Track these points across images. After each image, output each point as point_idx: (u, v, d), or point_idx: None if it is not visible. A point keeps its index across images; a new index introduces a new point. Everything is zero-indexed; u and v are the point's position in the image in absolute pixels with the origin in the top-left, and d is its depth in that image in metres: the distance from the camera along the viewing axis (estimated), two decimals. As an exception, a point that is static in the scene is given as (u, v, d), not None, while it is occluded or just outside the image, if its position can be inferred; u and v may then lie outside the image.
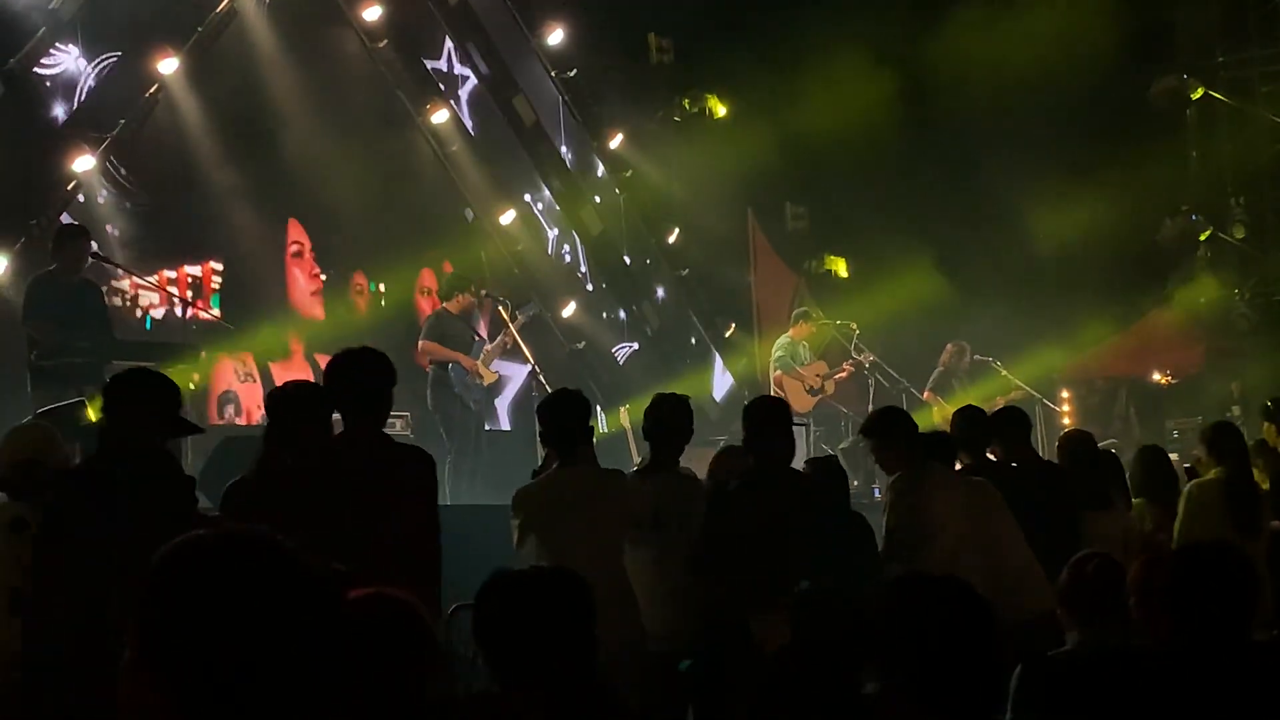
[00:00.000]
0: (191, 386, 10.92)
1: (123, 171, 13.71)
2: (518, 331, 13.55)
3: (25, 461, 5.92)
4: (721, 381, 19.84)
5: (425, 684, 3.33)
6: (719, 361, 19.82)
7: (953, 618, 3.21)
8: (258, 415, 13.84)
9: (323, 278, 15.65)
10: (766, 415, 7.52)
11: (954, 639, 3.19)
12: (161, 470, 5.54)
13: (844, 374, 16.10)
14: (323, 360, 15.28)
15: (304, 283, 15.58)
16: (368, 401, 5.99)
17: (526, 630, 3.50)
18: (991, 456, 8.72)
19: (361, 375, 6.01)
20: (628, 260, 19.28)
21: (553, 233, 18.89)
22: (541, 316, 16.41)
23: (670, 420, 7.47)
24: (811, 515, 7.03)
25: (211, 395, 14.01)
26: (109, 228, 13.37)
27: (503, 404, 17.00)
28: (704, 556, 6.93)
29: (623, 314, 19.43)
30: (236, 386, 14.37)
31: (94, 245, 11.02)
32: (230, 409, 14.34)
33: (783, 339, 16.22)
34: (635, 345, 19.28)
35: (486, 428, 15.74)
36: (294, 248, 15.51)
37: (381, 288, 16.16)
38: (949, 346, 16.51)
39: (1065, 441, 9.18)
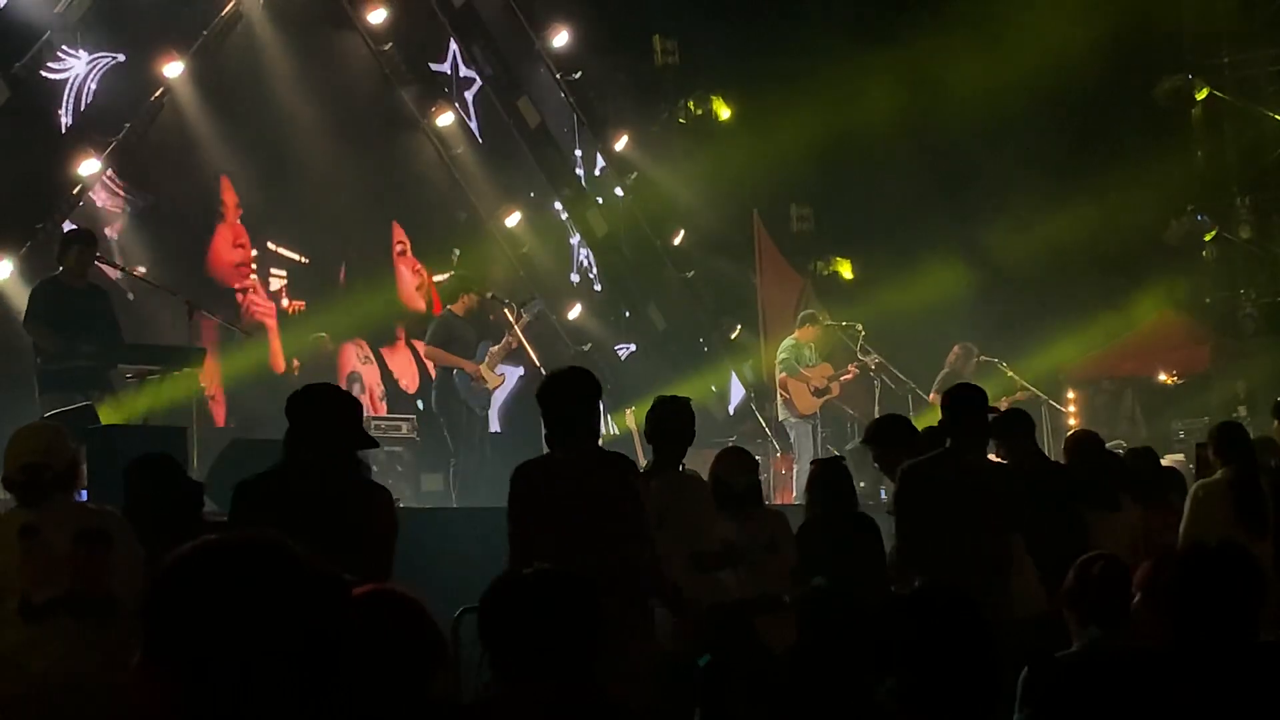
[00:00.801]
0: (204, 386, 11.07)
1: (111, 175, 13.68)
2: (523, 332, 13.56)
3: (32, 464, 5.81)
4: (736, 393, 19.85)
5: (428, 681, 3.33)
6: (735, 376, 19.82)
7: (952, 632, 3.24)
8: (379, 392, 15.88)
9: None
10: (967, 404, 7.71)
11: (952, 652, 3.21)
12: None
13: (849, 376, 16.07)
14: (421, 346, 15.85)
15: (409, 278, 16.87)
16: (576, 417, 6.51)
17: (530, 631, 3.50)
18: (996, 458, 8.71)
19: (566, 396, 6.56)
20: (633, 262, 19.27)
21: (574, 236, 18.91)
22: (546, 315, 16.41)
23: (671, 423, 7.45)
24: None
25: (340, 377, 15.16)
26: (107, 230, 13.40)
27: (493, 406, 17.02)
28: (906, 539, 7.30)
29: (628, 315, 19.41)
30: (359, 368, 15.55)
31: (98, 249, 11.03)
32: (356, 387, 15.37)
33: (788, 341, 16.19)
34: (633, 346, 19.26)
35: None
36: (399, 247, 16.76)
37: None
38: (955, 348, 16.48)
39: (1072, 442, 9.17)
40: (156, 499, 6.17)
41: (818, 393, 15.87)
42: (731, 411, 19.49)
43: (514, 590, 3.61)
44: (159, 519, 6.01)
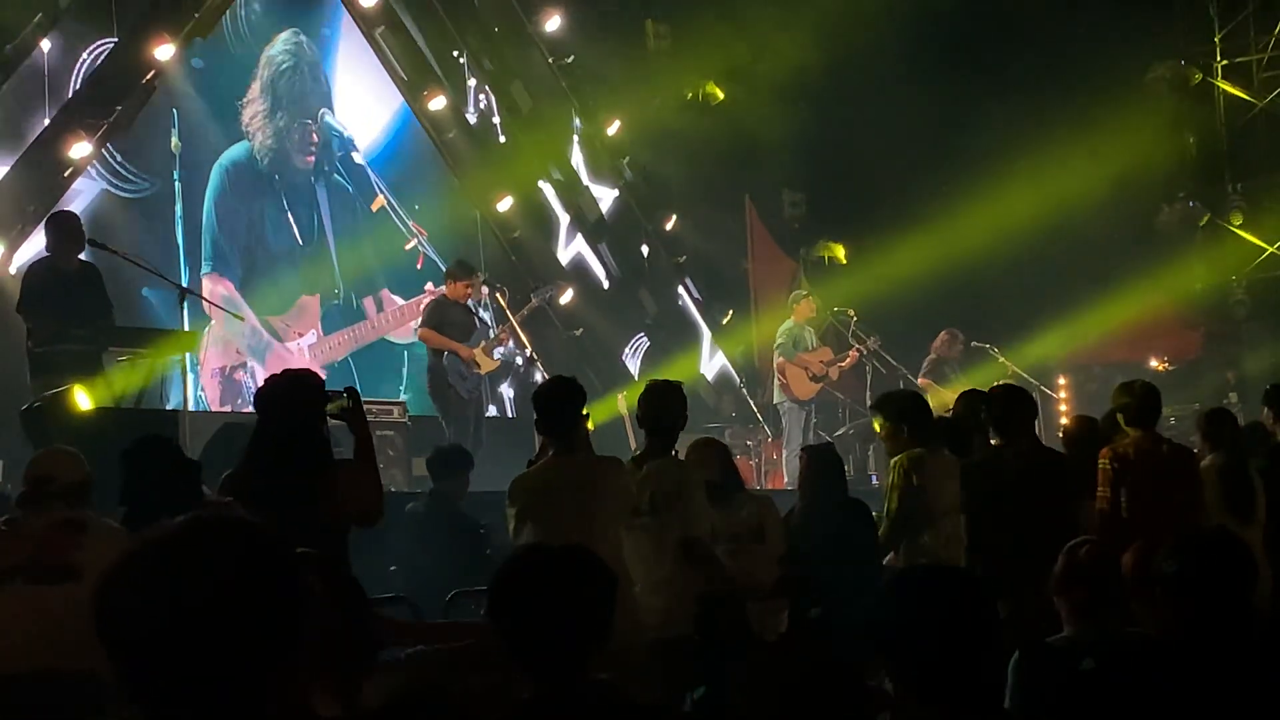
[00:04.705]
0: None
1: (118, 158, 13.73)
2: (525, 316, 13.58)
3: (38, 477, 6.11)
4: (712, 360, 19.82)
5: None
6: (707, 338, 19.81)
7: (958, 609, 3.21)
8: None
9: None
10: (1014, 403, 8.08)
11: (959, 630, 3.18)
12: None
13: (849, 362, 16.08)
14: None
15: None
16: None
17: (547, 610, 3.41)
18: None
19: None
20: (626, 247, 19.26)
21: (565, 218, 18.85)
22: (554, 301, 16.40)
23: (662, 407, 7.43)
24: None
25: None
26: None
27: (508, 392, 17.06)
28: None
29: (622, 300, 19.39)
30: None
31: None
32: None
33: (786, 324, 16.19)
34: (645, 338, 19.22)
35: (493, 413, 15.82)
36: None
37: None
38: (942, 334, 16.48)
39: (1069, 430, 9.15)
40: (154, 481, 6.16)
41: (815, 378, 15.88)
42: (710, 379, 19.48)
43: (533, 567, 3.53)
44: (158, 502, 6.02)
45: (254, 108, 15.35)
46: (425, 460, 10.15)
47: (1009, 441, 7.95)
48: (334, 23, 16.41)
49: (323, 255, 15.95)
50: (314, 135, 15.91)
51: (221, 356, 14.54)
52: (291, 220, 15.59)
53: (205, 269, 14.53)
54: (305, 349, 15.40)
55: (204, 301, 12.70)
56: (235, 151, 15.12)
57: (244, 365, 14.76)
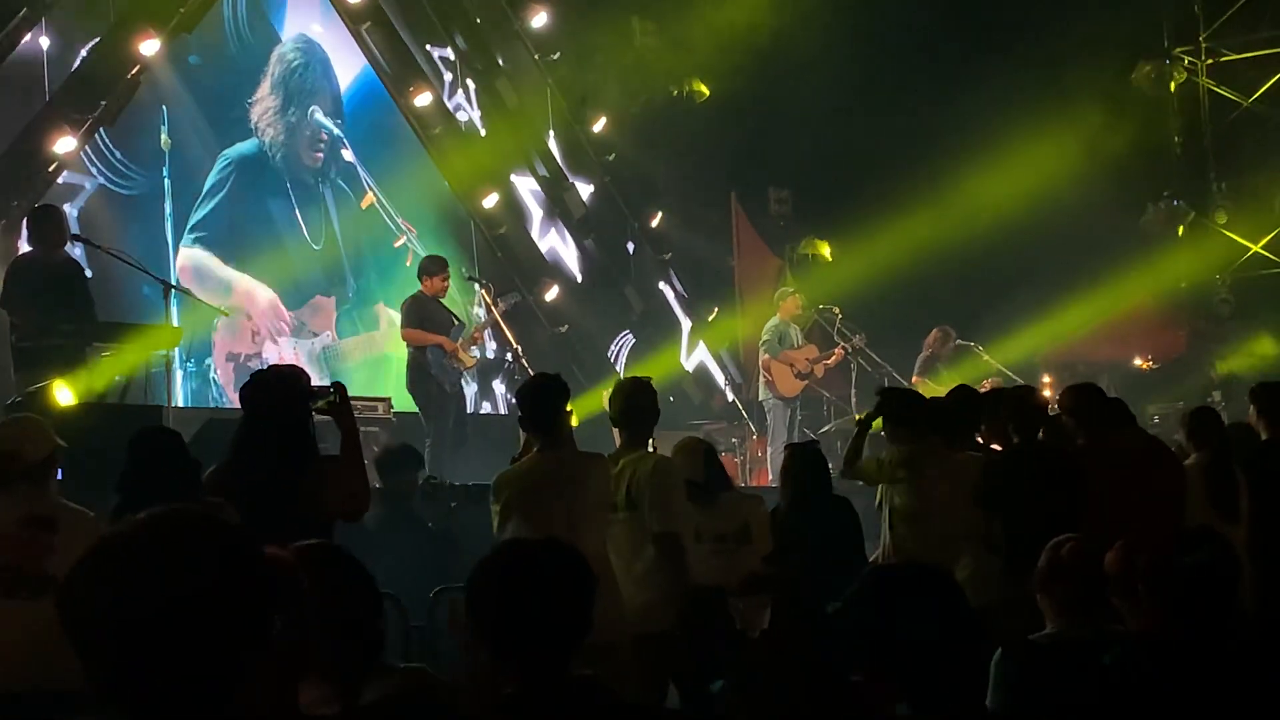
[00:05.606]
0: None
1: (117, 154, 13.69)
2: (499, 316, 13.55)
3: (4, 453, 5.97)
4: (691, 356, 19.80)
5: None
6: (685, 332, 19.80)
7: (934, 607, 3.22)
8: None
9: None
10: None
11: (935, 627, 3.19)
12: None
13: (834, 359, 16.09)
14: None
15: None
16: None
17: (525, 604, 3.39)
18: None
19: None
20: (611, 244, 19.25)
21: (539, 213, 18.82)
22: (524, 304, 16.37)
23: (633, 404, 7.40)
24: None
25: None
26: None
27: (499, 388, 17.04)
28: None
29: (607, 297, 19.39)
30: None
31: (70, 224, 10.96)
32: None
33: (772, 321, 16.20)
34: (630, 335, 19.20)
35: (487, 410, 15.78)
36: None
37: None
38: (934, 331, 16.51)
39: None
40: (153, 474, 6.13)
41: (800, 375, 15.89)
42: (690, 369, 19.47)
43: (515, 561, 3.50)
44: (153, 495, 5.98)
45: (264, 104, 15.33)
46: (374, 460, 10.06)
47: (1029, 441, 8.00)
48: (280, 10, 16.31)
49: (336, 258, 15.93)
50: (323, 134, 15.90)
51: (234, 342, 14.52)
52: (301, 220, 15.56)
53: (187, 241, 14.41)
54: (319, 349, 15.40)
55: (192, 297, 12.65)
56: (243, 147, 15.09)
57: (258, 354, 14.74)
